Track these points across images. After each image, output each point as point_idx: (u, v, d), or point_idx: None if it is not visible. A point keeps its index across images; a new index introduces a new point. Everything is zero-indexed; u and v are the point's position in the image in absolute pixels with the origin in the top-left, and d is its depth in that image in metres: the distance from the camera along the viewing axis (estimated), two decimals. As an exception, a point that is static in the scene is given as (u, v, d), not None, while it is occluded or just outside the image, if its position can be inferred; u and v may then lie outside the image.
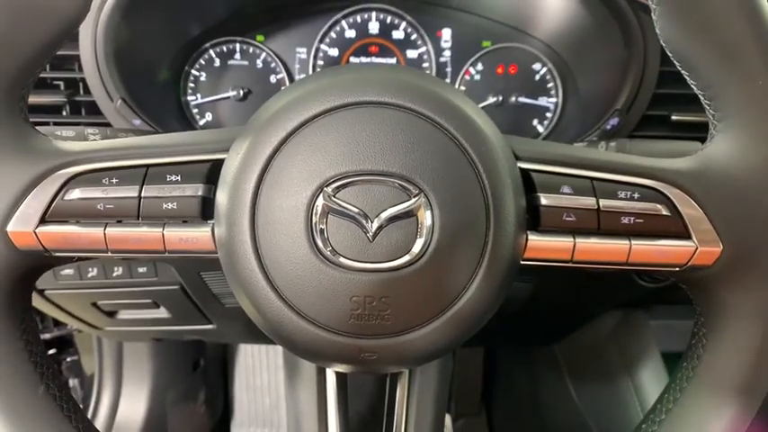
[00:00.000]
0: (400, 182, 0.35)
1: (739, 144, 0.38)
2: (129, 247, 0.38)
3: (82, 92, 0.68)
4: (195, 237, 0.38)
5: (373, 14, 0.83)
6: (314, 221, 0.35)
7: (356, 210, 0.35)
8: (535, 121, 0.83)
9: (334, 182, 0.35)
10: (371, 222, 0.35)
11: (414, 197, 0.35)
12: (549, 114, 0.82)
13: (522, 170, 0.39)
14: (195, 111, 0.82)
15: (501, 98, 0.82)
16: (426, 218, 0.35)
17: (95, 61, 0.64)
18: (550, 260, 0.39)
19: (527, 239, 0.38)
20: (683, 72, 0.39)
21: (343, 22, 0.83)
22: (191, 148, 0.40)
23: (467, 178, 0.36)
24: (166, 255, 0.38)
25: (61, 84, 0.67)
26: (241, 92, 0.81)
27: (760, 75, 0.37)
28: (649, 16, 0.39)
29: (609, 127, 0.66)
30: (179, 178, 0.38)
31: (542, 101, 0.82)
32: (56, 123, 0.66)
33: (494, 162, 0.37)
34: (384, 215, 0.35)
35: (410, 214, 0.35)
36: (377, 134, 0.35)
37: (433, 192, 0.35)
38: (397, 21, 0.83)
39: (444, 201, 0.35)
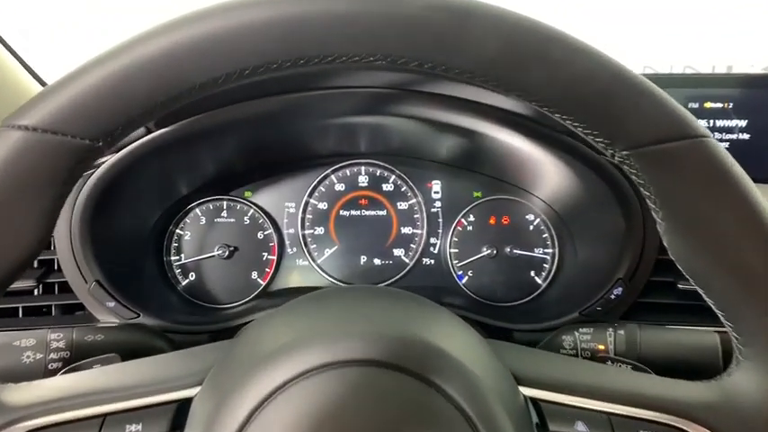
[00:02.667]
0: None
1: None
2: None
3: (56, 268, 0.64)
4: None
5: (362, 168, 0.83)
6: None
7: None
8: (532, 273, 0.80)
9: None
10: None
11: None
12: (546, 266, 0.80)
13: (529, 397, 0.35)
14: (178, 271, 0.79)
15: (495, 250, 0.79)
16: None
17: (70, 242, 0.61)
18: None
19: None
20: (698, 289, 0.36)
21: (333, 176, 0.82)
22: (154, 387, 0.35)
23: None
24: None
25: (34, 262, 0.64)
26: (227, 250, 0.78)
27: None
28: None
29: (613, 296, 0.63)
30: (140, 428, 0.33)
31: (538, 252, 0.80)
32: (27, 313, 0.61)
33: (493, 418, 0.32)
34: None
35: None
36: (365, 400, 0.31)
37: None
38: (386, 174, 0.83)
39: None
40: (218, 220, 0.80)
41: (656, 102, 0.33)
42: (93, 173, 0.59)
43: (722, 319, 0.36)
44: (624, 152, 0.33)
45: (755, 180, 0.81)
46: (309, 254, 0.81)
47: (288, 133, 0.70)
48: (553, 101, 0.32)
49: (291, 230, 0.82)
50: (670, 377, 0.39)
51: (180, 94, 0.30)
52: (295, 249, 0.82)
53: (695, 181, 0.33)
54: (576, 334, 0.54)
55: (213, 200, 0.80)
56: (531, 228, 0.80)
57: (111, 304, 0.61)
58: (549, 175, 0.68)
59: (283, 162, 0.82)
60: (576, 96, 0.32)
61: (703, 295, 0.36)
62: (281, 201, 0.82)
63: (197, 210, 0.80)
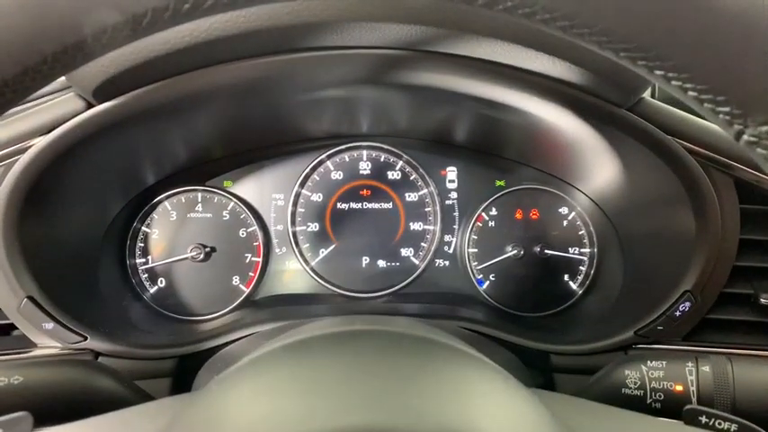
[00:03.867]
0: None
1: None
2: None
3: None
4: None
5: (364, 153, 0.69)
6: None
7: None
8: (566, 278, 0.67)
9: None
10: None
11: None
12: (582, 268, 0.67)
13: None
14: (144, 276, 0.66)
15: (522, 250, 0.67)
16: None
17: None
18: None
19: None
20: None
21: (329, 163, 0.69)
22: None
23: None
24: None
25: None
26: (203, 251, 0.65)
27: None
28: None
29: (678, 313, 0.50)
30: None
31: (573, 252, 0.67)
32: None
33: None
34: None
35: None
36: None
37: None
38: (392, 159, 0.69)
39: None
40: (193, 215, 0.67)
41: None
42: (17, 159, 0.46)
43: None
44: (764, 128, 0.22)
45: None
46: (301, 255, 0.68)
47: (274, 108, 0.57)
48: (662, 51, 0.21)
49: (280, 227, 0.69)
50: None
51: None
52: (284, 249, 0.69)
53: None
54: (644, 369, 0.42)
55: (185, 191, 0.67)
56: (566, 223, 0.67)
57: (49, 326, 0.48)
58: (599, 161, 0.55)
59: (270, 146, 0.68)
60: (696, 46, 0.21)
61: None
62: (267, 192, 0.69)
63: (166, 203, 0.67)
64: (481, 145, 0.68)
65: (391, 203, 0.70)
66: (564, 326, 0.64)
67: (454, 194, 0.70)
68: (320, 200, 0.69)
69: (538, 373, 0.54)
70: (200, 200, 0.67)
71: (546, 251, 0.67)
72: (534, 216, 0.68)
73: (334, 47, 0.47)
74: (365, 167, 0.70)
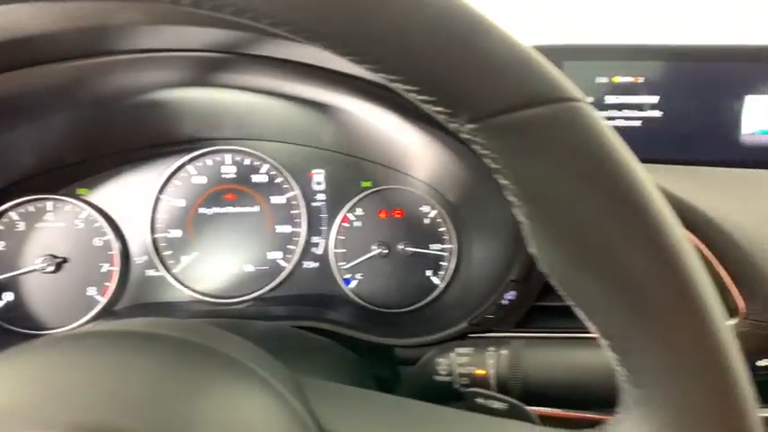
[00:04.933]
0: None
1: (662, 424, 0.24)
2: None
3: None
4: None
5: (227, 156, 0.69)
6: None
7: None
8: (429, 273, 0.69)
9: None
10: None
11: None
12: (444, 264, 0.69)
13: None
14: (-13, 291, 0.63)
15: (386, 249, 0.68)
16: None
17: None
18: None
19: None
20: (578, 313, 0.26)
21: (190, 167, 0.68)
22: None
23: None
24: None
25: None
26: (54, 262, 0.63)
27: (681, 326, 0.23)
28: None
29: (505, 302, 0.53)
30: None
31: (435, 249, 0.69)
32: None
33: None
34: None
35: None
36: None
37: None
38: (257, 163, 0.69)
39: None
40: (41, 224, 0.64)
41: (509, 59, 0.23)
42: None
43: (609, 351, 0.26)
44: (470, 125, 0.24)
45: (667, 161, 0.69)
46: (162, 262, 0.67)
47: (109, 113, 0.56)
48: (373, 54, 0.22)
49: (139, 235, 0.67)
50: (562, 408, 0.30)
51: None
52: (144, 258, 0.67)
53: (560, 157, 0.23)
54: (452, 356, 0.44)
55: (34, 200, 0.64)
56: (428, 221, 0.70)
57: None
58: (428, 157, 0.57)
59: (127, 150, 0.67)
60: (404, 49, 0.22)
61: (585, 322, 0.26)
62: (125, 199, 0.67)
63: (12, 213, 0.64)
64: (344, 147, 0.69)
65: (257, 207, 0.69)
66: (428, 319, 0.66)
67: (322, 196, 0.71)
68: (182, 205, 0.68)
69: (383, 365, 0.55)
70: (50, 209, 0.64)
71: (408, 248, 0.69)
72: (398, 215, 0.70)
73: (152, 50, 0.46)
74: (229, 171, 0.69)
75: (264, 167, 0.69)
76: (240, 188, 0.69)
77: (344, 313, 0.66)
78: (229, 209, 0.69)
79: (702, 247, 0.49)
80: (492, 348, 0.43)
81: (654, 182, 0.27)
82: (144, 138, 0.66)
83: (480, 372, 0.42)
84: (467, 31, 0.22)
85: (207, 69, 0.48)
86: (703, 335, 0.23)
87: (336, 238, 0.69)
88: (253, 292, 0.69)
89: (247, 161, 0.69)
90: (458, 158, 0.54)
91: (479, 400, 0.37)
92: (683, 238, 0.26)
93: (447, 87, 0.24)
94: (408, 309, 0.69)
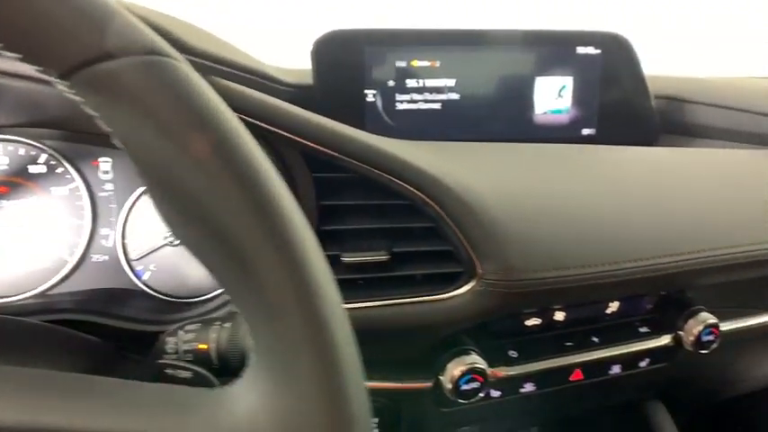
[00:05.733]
0: None
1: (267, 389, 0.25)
2: None
3: None
4: None
5: (-2, 147, 0.64)
6: None
7: None
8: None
9: None
10: None
11: None
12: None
13: None
14: None
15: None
16: None
17: None
18: None
19: None
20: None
21: (-47, 160, 0.63)
22: None
23: None
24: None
25: None
26: None
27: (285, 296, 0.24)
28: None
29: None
30: None
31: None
32: None
33: None
34: None
35: None
36: None
37: None
38: (34, 152, 0.65)
39: None
40: None
41: (87, 13, 0.23)
42: None
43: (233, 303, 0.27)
44: (62, 81, 0.23)
45: (466, 141, 0.69)
46: None
47: None
48: None
49: None
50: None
51: None
52: None
53: (139, 107, 0.24)
54: (181, 333, 0.43)
55: None
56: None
57: None
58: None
59: None
60: None
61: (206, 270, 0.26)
62: None
63: None
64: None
65: (36, 199, 0.65)
66: (220, 306, 0.65)
67: (110, 186, 0.67)
68: (-57, 201, 0.62)
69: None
70: None
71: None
72: (194, 202, 0.68)
73: None
74: (2, 162, 0.64)
75: (43, 157, 0.65)
76: (15, 180, 0.64)
77: (135, 306, 0.63)
78: (3, 203, 0.64)
79: (443, 215, 0.52)
80: (218, 323, 0.43)
81: (251, 141, 0.27)
82: None
83: (203, 346, 0.42)
84: None
85: None
86: (309, 309, 0.24)
87: (125, 229, 0.66)
88: (33, 289, 0.64)
89: (22, 151, 0.65)
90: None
91: (168, 371, 0.37)
92: (283, 200, 0.27)
93: (29, 42, 0.23)
94: (203, 297, 0.67)
